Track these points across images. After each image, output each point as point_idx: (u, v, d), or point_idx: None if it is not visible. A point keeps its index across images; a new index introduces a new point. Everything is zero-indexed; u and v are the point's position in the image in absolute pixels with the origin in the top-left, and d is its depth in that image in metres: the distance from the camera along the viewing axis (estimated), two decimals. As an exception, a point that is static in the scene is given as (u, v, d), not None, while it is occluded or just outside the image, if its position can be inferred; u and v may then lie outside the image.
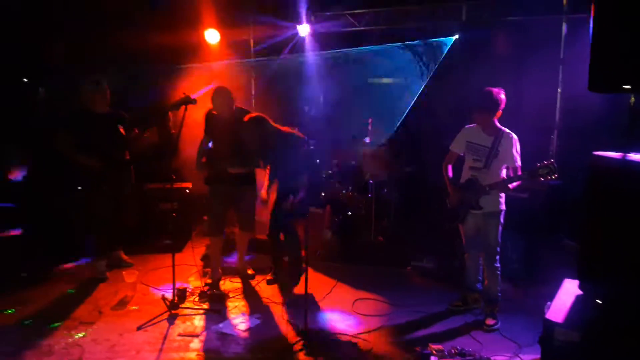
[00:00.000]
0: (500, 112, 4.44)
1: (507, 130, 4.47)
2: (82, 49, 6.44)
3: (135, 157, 5.79)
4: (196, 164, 5.23)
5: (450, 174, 4.77)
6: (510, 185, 4.37)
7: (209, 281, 5.37)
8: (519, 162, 4.41)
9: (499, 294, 4.60)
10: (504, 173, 4.51)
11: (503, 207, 4.54)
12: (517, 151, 4.43)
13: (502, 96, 4.42)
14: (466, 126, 4.70)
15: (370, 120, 6.86)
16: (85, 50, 6.50)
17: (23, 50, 6.08)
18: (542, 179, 4.15)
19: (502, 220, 4.54)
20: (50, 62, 6.10)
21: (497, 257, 4.57)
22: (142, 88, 6.71)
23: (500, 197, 4.52)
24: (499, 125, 4.49)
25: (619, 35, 2.86)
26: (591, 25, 2.97)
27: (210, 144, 5.28)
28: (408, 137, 7.28)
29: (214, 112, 5.12)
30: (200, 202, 7.15)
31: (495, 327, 4.50)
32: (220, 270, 5.47)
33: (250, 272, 5.70)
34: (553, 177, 4.11)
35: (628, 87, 2.90)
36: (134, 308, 4.81)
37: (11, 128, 6.27)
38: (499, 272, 4.58)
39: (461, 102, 6.74)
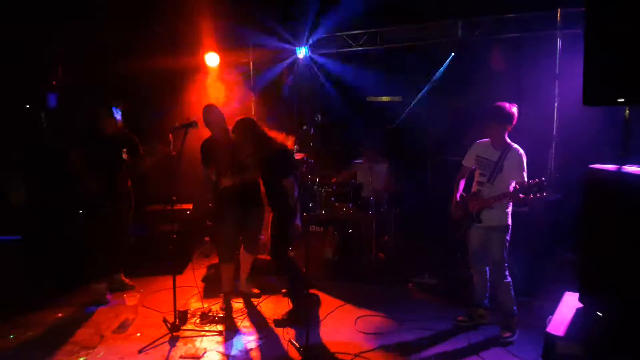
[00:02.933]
0: (511, 126, 4.44)
1: (515, 146, 4.46)
2: (81, 73, 6.51)
3: (136, 181, 5.84)
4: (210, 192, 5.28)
5: (462, 188, 4.79)
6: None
7: (222, 305, 5.31)
8: (525, 179, 4.35)
9: (515, 307, 4.56)
10: (512, 188, 4.47)
11: (509, 222, 4.52)
12: (523, 167, 4.40)
13: (514, 110, 4.42)
14: (478, 141, 4.71)
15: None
16: (85, 74, 6.58)
17: (23, 75, 6.15)
18: (531, 195, 4.15)
19: (507, 236, 4.51)
20: (51, 87, 6.17)
21: (506, 273, 4.55)
22: (141, 111, 6.79)
23: (506, 212, 4.50)
24: (508, 140, 4.49)
25: (610, 50, 2.91)
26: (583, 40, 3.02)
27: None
28: (405, 154, 7.33)
29: (209, 136, 5.17)
30: (201, 223, 7.17)
31: (511, 339, 4.46)
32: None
33: (255, 291, 5.68)
34: (543, 194, 4.12)
35: (622, 100, 2.94)
36: (138, 335, 4.79)
37: (15, 154, 6.31)
38: (511, 287, 4.55)
39: (458, 118, 6.79)
